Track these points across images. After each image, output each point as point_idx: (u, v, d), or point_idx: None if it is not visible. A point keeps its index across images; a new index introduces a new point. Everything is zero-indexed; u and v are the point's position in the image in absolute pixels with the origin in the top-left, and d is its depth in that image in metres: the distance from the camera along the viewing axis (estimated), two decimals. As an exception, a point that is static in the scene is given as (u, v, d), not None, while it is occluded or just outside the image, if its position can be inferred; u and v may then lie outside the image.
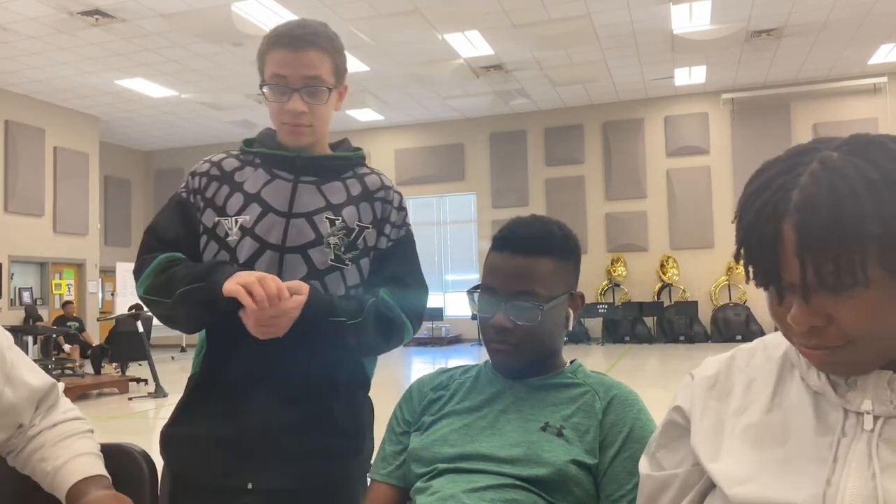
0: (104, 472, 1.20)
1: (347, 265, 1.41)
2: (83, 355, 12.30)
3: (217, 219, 1.41)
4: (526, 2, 10.02)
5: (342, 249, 1.40)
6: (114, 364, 10.36)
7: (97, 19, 10.09)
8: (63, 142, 14.50)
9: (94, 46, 11.15)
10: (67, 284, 14.82)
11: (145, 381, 9.44)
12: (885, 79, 13.79)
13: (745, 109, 14.72)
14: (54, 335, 12.02)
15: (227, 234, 1.40)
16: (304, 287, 1.31)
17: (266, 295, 1.23)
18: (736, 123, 14.77)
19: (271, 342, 1.31)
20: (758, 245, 0.73)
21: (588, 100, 15.27)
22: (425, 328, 15.73)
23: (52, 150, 14.28)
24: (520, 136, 16.04)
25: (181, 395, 1.47)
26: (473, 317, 15.61)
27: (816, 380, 0.80)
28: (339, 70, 1.44)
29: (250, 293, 1.23)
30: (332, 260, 1.39)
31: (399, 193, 1.51)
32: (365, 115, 15.62)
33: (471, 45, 11.61)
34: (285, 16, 10.13)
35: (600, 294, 15.19)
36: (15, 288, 13.66)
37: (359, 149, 1.53)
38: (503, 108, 15.66)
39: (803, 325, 0.72)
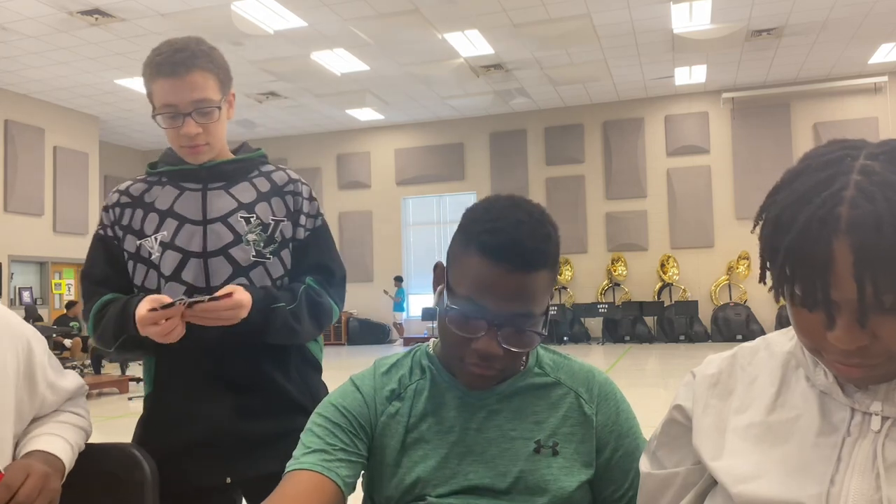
0: (63, 457, 1.21)
1: (269, 258, 1.49)
2: (84, 350, 12.29)
3: (138, 242, 1.48)
4: (526, 1, 10.01)
5: (261, 244, 1.48)
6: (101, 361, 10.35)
7: (97, 19, 10.09)
8: (63, 141, 14.49)
9: (94, 46, 11.15)
10: (67, 284, 14.82)
11: (145, 380, 9.43)
12: (885, 78, 13.79)
13: (745, 109, 14.71)
14: (53, 335, 12.02)
15: (150, 254, 1.47)
16: (238, 288, 1.36)
17: (165, 322, 1.31)
18: (736, 123, 14.77)
19: (217, 343, 1.40)
20: (806, 266, 0.69)
21: (588, 99, 15.27)
22: (425, 327, 15.74)
23: (52, 150, 14.28)
24: (520, 135, 16.04)
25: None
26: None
27: (824, 379, 0.79)
28: (224, 83, 1.50)
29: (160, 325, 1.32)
30: (253, 256, 1.47)
31: (307, 185, 1.58)
32: (365, 114, 15.61)
33: (471, 44, 11.61)
34: (285, 15, 10.14)
35: (600, 294, 15.19)
36: (15, 288, 13.66)
37: (259, 149, 1.60)
38: (503, 108, 15.66)
39: (851, 346, 0.69)
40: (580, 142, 15.65)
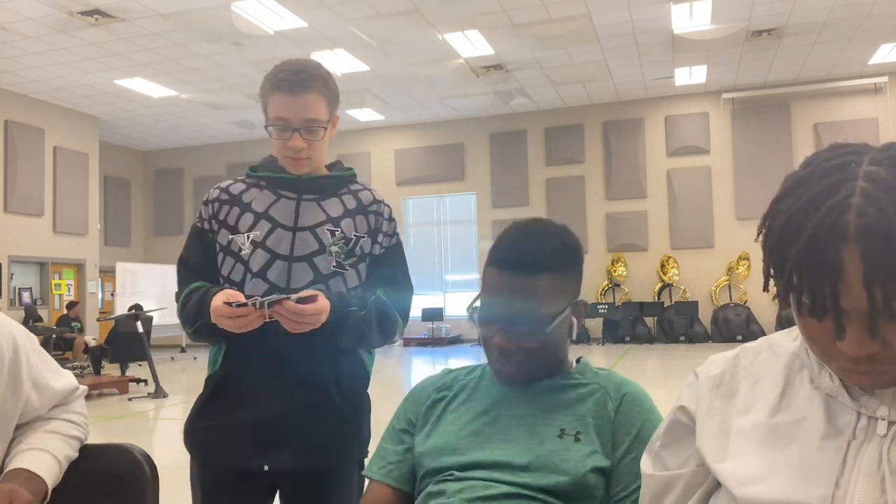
0: (47, 477, 1.20)
1: (347, 270, 1.60)
2: (85, 351, 12.31)
3: (230, 237, 1.60)
4: (526, 1, 10.01)
5: (342, 256, 1.59)
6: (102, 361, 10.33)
7: (97, 19, 10.09)
8: (63, 142, 14.49)
9: (94, 46, 11.15)
10: (67, 284, 14.81)
11: (145, 381, 9.43)
12: (885, 79, 13.79)
13: (745, 109, 14.72)
14: (54, 335, 12.03)
15: (240, 249, 1.59)
16: (319, 294, 1.44)
17: (235, 316, 1.40)
18: (736, 123, 14.77)
19: (285, 340, 1.48)
20: (815, 275, 0.68)
21: (588, 99, 15.27)
22: (425, 328, 15.73)
23: (52, 150, 14.28)
24: (520, 135, 16.04)
25: (199, 392, 1.64)
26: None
27: (829, 382, 0.79)
28: (332, 106, 1.61)
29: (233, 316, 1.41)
30: (334, 266, 1.58)
31: (388, 206, 1.71)
32: (365, 115, 15.62)
33: (471, 44, 11.61)
34: (285, 16, 10.14)
35: (600, 294, 15.18)
36: (15, 288, 13.66)
37: (350, 168, 1.72)
38: (503, 108, 15.66)
39: (861, 353, 0.69)
40: (580, 142, 15.65)
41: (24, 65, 11.98)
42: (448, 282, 16.58)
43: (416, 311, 16.25)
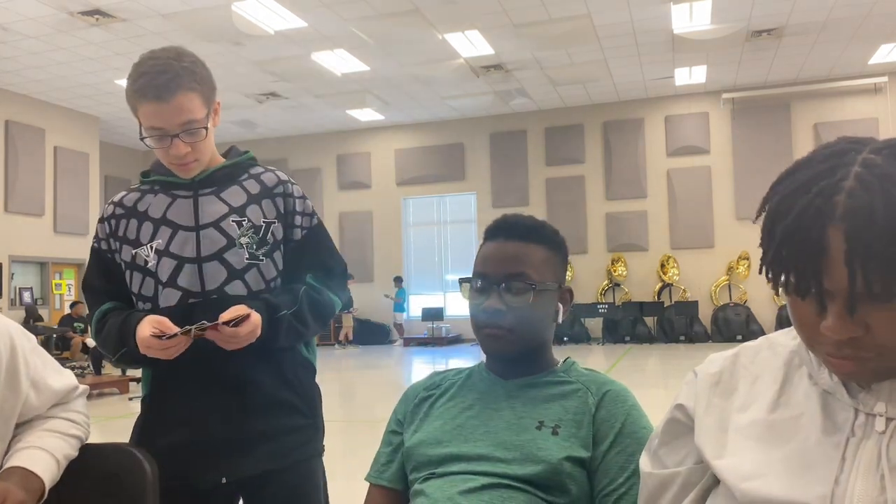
0: (45, 476, 1.20)
1: (262, 260, 1.51)
2: (84, 351, 12.30)
3: (134, 251, 1.51)
4: (526, 1, 10.01)
5: (254, 247, 1.51)
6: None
7: (97, 19, 10.09)
8: (63, 142, 14.49)
9: (95, 46, 11.15)
10: (68, 284, 14.81)
11: (145, 381, 9.43)
12: (885, 79, 13.79)
13: (745, 109, 14.71)
14: (54, 335, 12.02)
15: (146, 262, 1.50)
16: (244, 309, 1.37)
17: (163, 346, 1.34)
18: (736, 123, 14.77)
19: (212, 347, 1.40)
20: (800, 252, 0.69)
21: (588, 99, 15.27)
22: (425, 328, 15.73)
23: (52, 150, 14.27)
24: (520, 135, 16.03)
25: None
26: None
27: (828, 379, 0.79)
28: (209, 97, 1.48)
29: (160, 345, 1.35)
30: (247, 259, 1.50)
31: (297, 185, 1.61)
32: (365, 115, 15.61)
33: (471, 44, 11.61)
34: (285, 15, 10.14)
35: (600, 294, 15.18)
36: (15, 288, 13.65)
37: (247, 151, 1.62)
38: (503, 108, 15.66)
39: (842, 335, 0.69)
40: (580, 142, 15.65)
41: (25, 65, 11.98)
42: (448, 282, 16.56)
43: (416, 311, 16.26)
